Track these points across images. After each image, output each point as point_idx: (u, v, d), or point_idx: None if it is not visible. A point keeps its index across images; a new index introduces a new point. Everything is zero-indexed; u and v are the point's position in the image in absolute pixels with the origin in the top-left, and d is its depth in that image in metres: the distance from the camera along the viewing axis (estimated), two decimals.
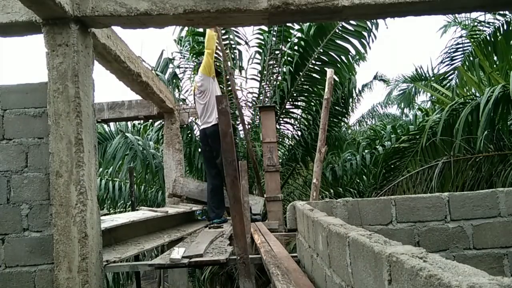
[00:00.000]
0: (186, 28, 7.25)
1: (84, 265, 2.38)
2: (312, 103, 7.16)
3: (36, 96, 2.56)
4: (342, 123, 8.04)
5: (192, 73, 7.92)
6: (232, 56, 6.82)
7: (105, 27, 2.74)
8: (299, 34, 6.93)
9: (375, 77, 11.59)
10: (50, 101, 2.45)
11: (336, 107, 7.81)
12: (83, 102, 2.50)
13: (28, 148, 2.53)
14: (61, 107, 2.44)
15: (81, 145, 2.44)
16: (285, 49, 7.67)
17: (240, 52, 6.90)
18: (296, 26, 6.98)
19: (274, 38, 7.52)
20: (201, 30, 7.06)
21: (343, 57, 6.58)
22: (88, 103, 2.58)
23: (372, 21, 6.05)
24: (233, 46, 6.78)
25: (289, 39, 7.57)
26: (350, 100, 7.90)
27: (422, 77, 9.04)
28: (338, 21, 6.15)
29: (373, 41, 6.32)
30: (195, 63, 7.28)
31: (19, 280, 2.46)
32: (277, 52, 7.85)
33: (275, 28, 7.40)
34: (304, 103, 7.29)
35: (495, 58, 6.39)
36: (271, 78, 7.95)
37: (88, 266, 2.40)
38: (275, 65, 7.93)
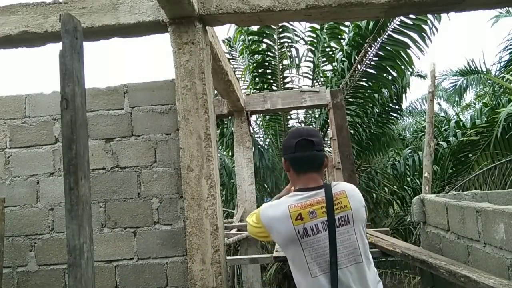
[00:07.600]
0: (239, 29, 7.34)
1: (216, 257, 2.44)
2: (369, 99, 7.11)
3: (162, 93, 2.63)
4: (395, 120, 7.97)
5: (242, 72, 8.00)
6: (289, 54, 6.84)
7: (222, 24, 2.80)
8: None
9: (411, 73, 11.42)
10: (178, 98, 2.52)
11: (390, 104, 7.75)
12: (208, 98, 2.57)
13: (156, 144, 2.61)
14: (190, 104, 2.51)
15: (210, 140, 2.50)
16: (337, 46, 7.65)
17: (297, 50, 6.93)
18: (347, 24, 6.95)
19: (325, 36, 7.52)
20: (255, 29, 7.13)
21: (401, 52, 6.53)
22: (210, 99, 2.64)
23: (435, 14, 5.97)
24: (290, 44, 6.80)
25: (339, 36, 7.55)
26: (403, 95, 7.84)
27: (474, 71, 8.85)
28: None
29: (434, 34, 6.24)
30: (249, 64, 7.35)
31: (151, 272, 2.54)
32: (328, 49, 7.83)
33: (326, 26, 7.40)
34: (360, 99, 7.25)
35: None
36: (323, 75, 7.93)
37: (220, 258, 2.46)
38: (327, 62, 7.91)
